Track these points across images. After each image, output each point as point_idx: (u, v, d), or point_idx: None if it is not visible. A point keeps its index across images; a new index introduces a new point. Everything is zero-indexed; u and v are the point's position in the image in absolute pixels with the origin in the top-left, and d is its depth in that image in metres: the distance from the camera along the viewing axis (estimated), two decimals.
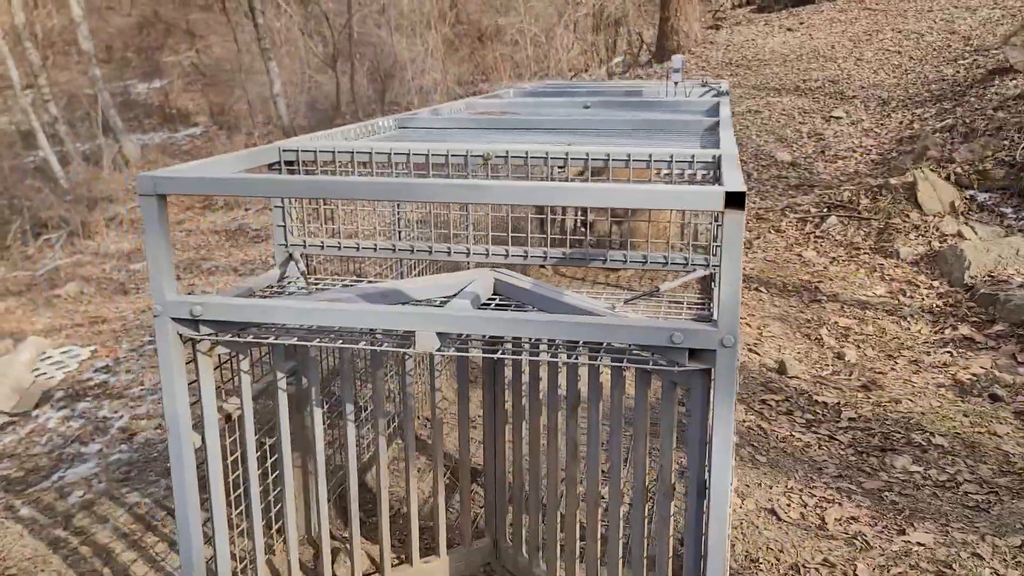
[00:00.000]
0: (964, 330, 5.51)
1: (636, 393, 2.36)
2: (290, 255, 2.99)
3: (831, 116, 11.72)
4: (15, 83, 17.07)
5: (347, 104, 17.03)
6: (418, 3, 19.41)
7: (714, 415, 2.08)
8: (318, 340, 2.36)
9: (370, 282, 2.96)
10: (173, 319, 2.33)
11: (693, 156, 2.60)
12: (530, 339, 2.30)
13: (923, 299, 6.10)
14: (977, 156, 7.85)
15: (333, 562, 3.02)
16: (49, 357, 5.99)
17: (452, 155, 2.77)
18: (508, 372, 2.96)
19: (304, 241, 2.99)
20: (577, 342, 2.26)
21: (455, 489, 3.61)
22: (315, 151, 2.87)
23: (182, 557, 2.52)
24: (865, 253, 7.02)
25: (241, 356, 2.53)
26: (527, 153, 2.72)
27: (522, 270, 3.01)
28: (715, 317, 2.03)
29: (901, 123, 10.83)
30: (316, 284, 2.88)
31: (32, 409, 5.15)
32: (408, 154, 2.76)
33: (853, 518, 3.45)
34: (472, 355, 2.31)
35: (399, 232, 3.44)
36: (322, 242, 2.99)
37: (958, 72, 12.13)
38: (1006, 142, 7.97)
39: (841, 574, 3.09)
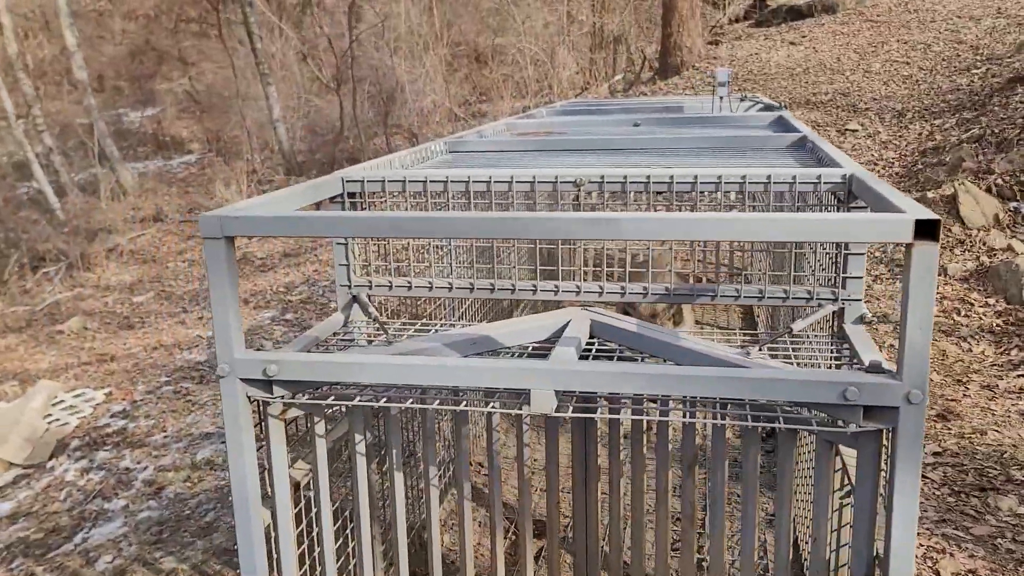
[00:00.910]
0: None
1: (780, 455, 2.04)
2: (354, 297, 2.67)
3: (846, 129, 11.52)
4: (9, 113, 16.74)
5: (348, 128, 16.75)
6: (415, 25, 19.21)
7: (894, 483, 1.76)
8: (411, 400, 2.03)
9: (444, 327, 2.63)
10: (242, 379, 2.00)
11: (820, 176, 2.29)
12: (660, 396, 1.98)
13: (980, 318, 5.81)
14: (1017, 167, 7.60)
15: None
16: (62, 401, 5.63)
17: (539, 181, 2.46)
18: (601, 425, 2.64)
19: (370, 282, 2.66)
20: (715, 398, 1.94)
21: (539, 556, 3.29)
22: (383, 180, 2.56)
23: None
24: (883, 281, 6.74)
25: (315, 418, 2.20)
26: (626, 178, 2.41)
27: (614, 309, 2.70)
28: (896, 368, 1.72)
29: (920, 134, 10.61)
30: (386, 329, 2.55)
31: (47, 460, 4.79)
32: (489, 181, 2.44)
33: (971, 571, 3.13)
34: (598, 416, 1.99)
35: (474, 270, 3.12)
36: (390, 282, 2.67)
37: (973, 82, 11.94)
38: None
39: None
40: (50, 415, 5.34)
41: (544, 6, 19.62)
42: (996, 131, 9.08)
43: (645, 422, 2.43)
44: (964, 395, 4.76)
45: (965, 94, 11.54)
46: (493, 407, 1.97)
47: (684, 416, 1.98)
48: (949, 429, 4.31)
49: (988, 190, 7.41)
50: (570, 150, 3.49)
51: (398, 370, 1.91)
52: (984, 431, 4.27)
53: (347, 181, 2.58)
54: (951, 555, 3.22)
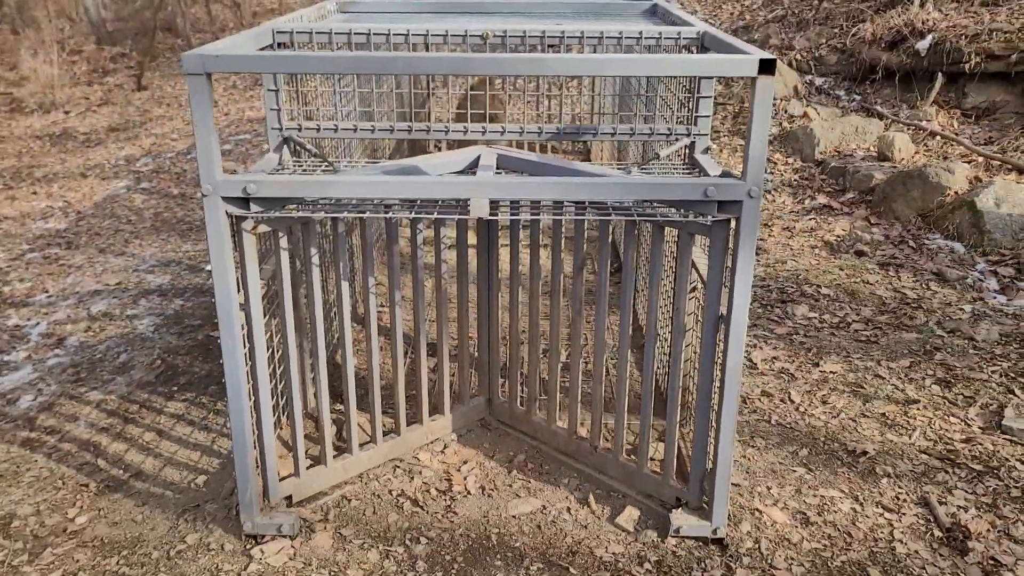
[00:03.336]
0: (821, 199, 6.25)
1: (652, 247, 2.68)
2: (285, 139, 3.02)
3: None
4: None
5: None
6: None
7: (738, 256, 2.43)
8: (369, 212, 2.49)
9: (372, 162, 3.06)
10: (223, 198, 2.37)
11: (679, 33, 2.87)
12: (563, 201, 2.54)
13: (782, 174, 6.80)
14: (813, 44, 8.63)
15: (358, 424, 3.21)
16: None
17: (452, 34, 2.89)
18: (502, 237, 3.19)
19: (300, 125, 3.02)
20: (589, 204, 2.54)
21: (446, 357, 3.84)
22: (311, 32, 2.89)
23: (233, 420, 2.63)
24: (724, 136, 7.65)
25: (279, 233, 2.59)
26: (525, 32, 2.89)
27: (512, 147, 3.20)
28: (742, 173, 2.37)
29: (732, 14, 11.50)
30: (330, 162, 2.93)
31: None
32: (426, 34, 2.84)
33: (775, 358, 4.01)
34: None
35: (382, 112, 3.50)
36: (318, 125, 3.04)
37: None
38: (836, 30, 8.79)
39: (780, 400, 3.64)
40: None
41: None
42: (795, 12, 10.10)
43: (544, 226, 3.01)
44: (770, 235, 5.71)
45: None
46: (438, 214, 2.46)
47: (585, 215, 2.56)
48: (759, 261, 5.22)
49: (789, 64, 8.41)
50: (454, 12, 3.87)
51: (365, 186, 2.35)
52: (784, 261, 5.21)
53: (277, 32, 2.89)
54: (760, 348, 4.09)
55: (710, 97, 2.97)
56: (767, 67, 2.23)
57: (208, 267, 5.25)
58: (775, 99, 8.02)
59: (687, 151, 3.10)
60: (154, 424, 3.53)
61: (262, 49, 2.96)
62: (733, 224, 2.47)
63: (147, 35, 14.83)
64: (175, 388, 3.82)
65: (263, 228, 2.54)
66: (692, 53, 2.92)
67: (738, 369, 2.58)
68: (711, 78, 2.99)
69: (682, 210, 2.54)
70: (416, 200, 2.55)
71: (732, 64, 2.25)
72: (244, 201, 2.41)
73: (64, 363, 4.12)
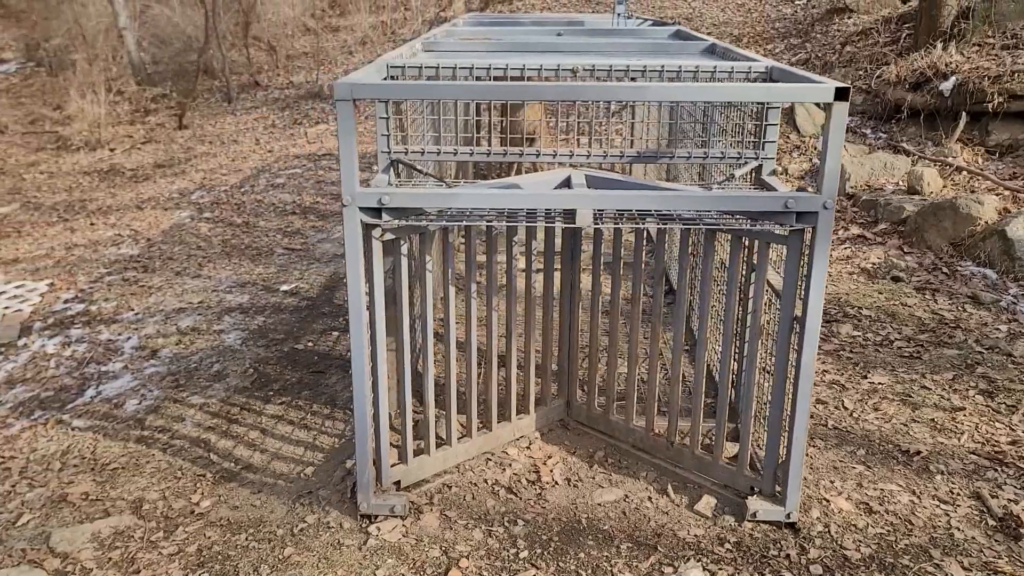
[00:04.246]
0: (855, 230, 6.56)
1: (731, 257, 2.99)
2: (393, 161, 3.36)
3: None
4: None
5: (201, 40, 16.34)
6: None
7: (814, 262, 2.74)
8: (495, 220, 2.81)
9: (477, 183, 3.39)
10: (360, 208, 2.70)
11: (750, 67, 3.21)
12: (656, 211, 2.86)
13: None
14: None
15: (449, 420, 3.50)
16: (3, 292, 5.85)
17: (545, 68, 3.24)
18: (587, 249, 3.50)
19: (407, 149, 3.37)
20: (678, 215, 2.85)
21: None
22: (420, 67, 3.25)
23: (356, 409, 2.93)
24: None
25: (402, 241, 2.92)
26: (611, 67, 3.24)
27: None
28: (817, 187, 2.68)
29: None
30: (445, 181, 3.26)
31: (17, 339, 5.13)
32: (523, 68, 3.19)
33: (825, 371, 4.29)
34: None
35: (487, 138, 3.83)
36: (423, 149, 3.38)
37: (796, 12, 13.44)
38: (860, 72, 9.18)
39: (834, 407, 3.91)
40: None
41: None
42: (819, 55, 10.53)
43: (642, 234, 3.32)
44: None
45: (791, 23, 13.01)
46: (551, 221, 2.78)
47: (683, 225, 2.88)
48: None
49: (818, 104, 8.77)
50: (525, 51, 4.23)
51: (484, 198, 2.68)
52: (826, 287, 5.50)
53: (391, 67, 3.24)
54: None
55: (775, 124, 3.31)
56: (842, 94, 2.56)
57: (284, 287, 5.59)
58: (804, 137, 8.39)
59: (755, 173, 3.42)
60: (256, 424, 3.83)
61: (384, 79, 3.32)
62: (808, 233, 2.78)
63: (188, 77, 15.39)
64: (271, 393, 4.12)
65: (388, 236, 2.87)
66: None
67: (811, 365, 2.87)
68: (777, 108, 3.33)
69: (757, 223, 2.86)
70: (521, 210, 2.87)
71: (812, 91, 2.59)
72: (377, 211, 2.74)
73: (161, 372, 4.43)
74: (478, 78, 3.25)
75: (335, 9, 20.30)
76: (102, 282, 5.97)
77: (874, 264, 5.87)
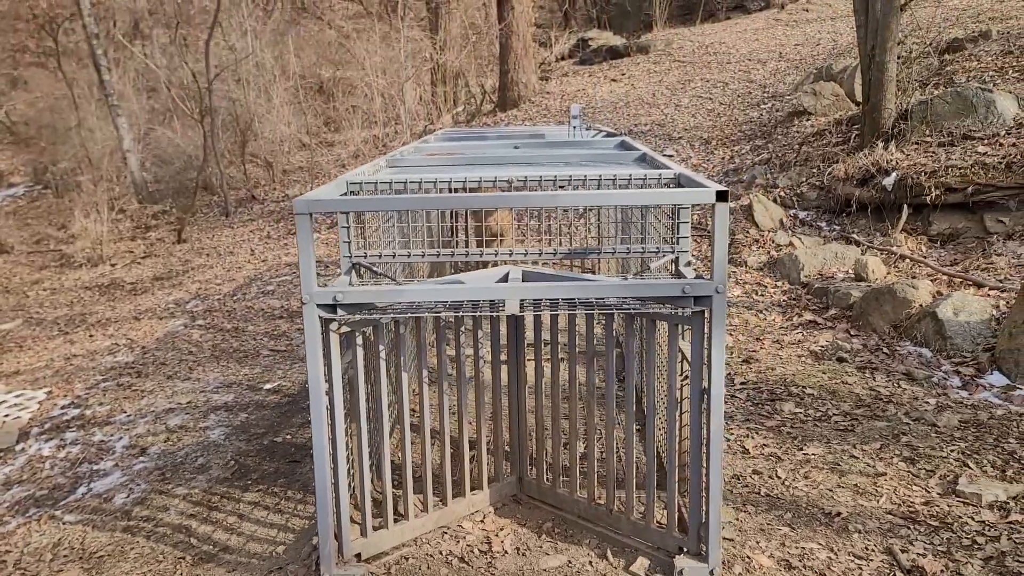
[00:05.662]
0: (807, 316, 6.98)
1: (647, 338, 3.40)
2: (353, 264, 3.81)
3: (664, 154, 13.42)
4: None
5: (200, 158, 17.19)
6: (261, 60, 19.88)
7: (712, 339, 3.15)
8: (443, 311, 3.23)
9: (424, 280, 3.83)
10: (318, 305, 3.13)
11: (660, 175, 3.70)
12: (569, 300, 3.28)
13: (771, 296, 7.57)
14: (794, 182, 9.62)
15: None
16: (4, 401, 6.23)
17: (484, 180, 3.72)
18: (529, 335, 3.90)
19: (365, 252, 3.82)
20: (596, 302, 3.28)
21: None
22: (375, 183, 3.73)
23: (317, 487, 3.27)
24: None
25: (357, 334, 3.33)
26: (541, 178, 3.72)
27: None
28: (710, 275, 3.12)
29: (723, 158, 12.63)
30: (396, 280, 3.70)
31: (15, 445, 5.47)
32: (464, 181, 3.67)
33: (765, 445, 4.63)
34: (543, 312, 3.26)
35: (441, 240, 4.31)
36: (380, 252, 3.84)
37: (762, 115, 14.24)
38: (814, 170, 9.79)
39: (768, 477, 4.24)
40: None
41: (382, 42, 20.73)
42: (779, 155, 11.19)
43: (559, 322, 3.73)
44: (761, 348, 6.40)
45: (756, 125, 13.78)
46: (484, 312, 3.20)
47: (594, 311, 3.30)
48: (751, 368, 5.90)
49: (775, 200, 9.35)
50: (481, 164, 4.75)
51: (427, 292, 3.11)
52: (774, 368, 5.89)
53: (350, 183, 3.73)
54: (752, 437, 4.72)
55: (687, 223, 3.77)
56: (722, 196, 3.03)
57: (267, 386, 5.96)
58: (763, 231, 8.91)
59: (673, 265, 3.87)
60: (235, 510, 4.15)
61: (343, 195, 3.80)
62: (707, 314, 3.19)
63: (188, 194, 16.12)
64: (249, 482, 4.45)
65: (344, 329, 3.28)
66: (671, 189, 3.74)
67: (720, 430, 3.23)
68: (688, 207, 3.80)
69: (669, 307, 3.28)
70: (462, 302, 3.30)
71: (697, 194, 3.05)
72: (332, 307, 3.17)
73: (149, 467, 4.77)
74: (426, 191, 3.73)
75: (329, 126, 21.35)
76: (97, 388, 6.35)
77: (822, 347, 6.26)
